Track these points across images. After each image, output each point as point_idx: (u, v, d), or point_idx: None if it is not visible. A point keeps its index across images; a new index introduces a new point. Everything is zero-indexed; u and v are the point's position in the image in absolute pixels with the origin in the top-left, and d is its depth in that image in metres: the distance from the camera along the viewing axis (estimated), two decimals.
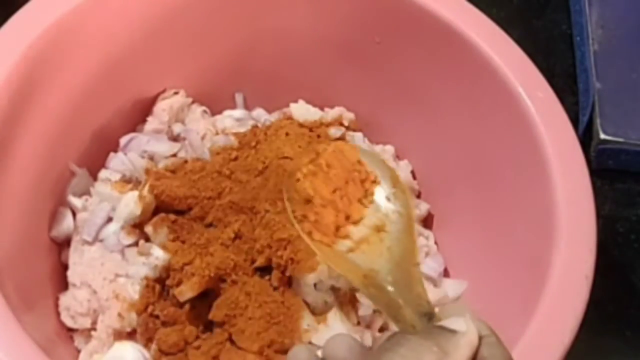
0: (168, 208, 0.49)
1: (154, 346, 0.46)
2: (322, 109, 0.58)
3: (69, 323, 0.48)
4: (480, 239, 0.53)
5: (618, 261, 0.61)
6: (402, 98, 0.57)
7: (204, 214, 0.49)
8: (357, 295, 0.48)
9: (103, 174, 0.53)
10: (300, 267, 0.46)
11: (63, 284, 0.49)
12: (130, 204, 0.49)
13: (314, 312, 0.47)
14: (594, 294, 0.45)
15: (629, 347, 0.58)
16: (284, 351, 0.46)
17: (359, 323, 0.48)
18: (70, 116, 0.51)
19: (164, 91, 0.57)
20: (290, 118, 0.55)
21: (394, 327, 0.49)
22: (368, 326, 0.48)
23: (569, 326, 0.43)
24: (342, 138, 0.56)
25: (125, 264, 0.48)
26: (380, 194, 0.41)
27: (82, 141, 0.52)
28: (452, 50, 0.53)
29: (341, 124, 0.56)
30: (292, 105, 0.58)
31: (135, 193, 0.50)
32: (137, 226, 0.49)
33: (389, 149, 0.58)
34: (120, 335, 0.46)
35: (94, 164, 0.53)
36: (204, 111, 0.58)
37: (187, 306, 0.46)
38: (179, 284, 0.46)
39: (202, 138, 0.55)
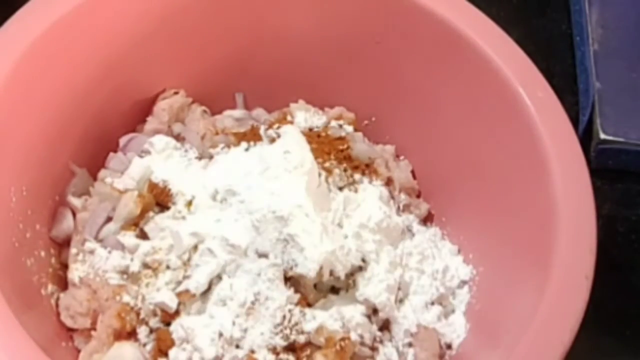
0: (167, 207, 0.49)
1: (153, 344, 0.46)
2: (322, 109, 0.58)
3: (69, 323, 0.48)
4: (480, 239, 0.53)
5: (618, 261, 0.61)
6: (402, 98, 0.57)
7: None
8: (357, 295, 0.48)
9: (103, 174, 0.53)
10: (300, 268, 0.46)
11: (63, 284, 0.50)
12: (130, 203, 0.49)
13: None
14: (594, 294, 0.45)
15: (629, 347, 0.58)
16: (286, 350, 0.46)
17: None
18: (70, 116, 0.51)
19: (164, 91, 0.57)
20: (287, 118, 0.56)
21: (395, 325, 0.50)
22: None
23: (569, 326, 0.43)
24: (342, 138, 0.56)
25: (125, 264, 0.48)
26: None
27: (82, 141, 0.52)
28: (452, 50, 0.53)
29: (340, 126, 0.56)
30: (292, 106, 0.58)
31: (135, 193, 0.50)
32: (137, 225, 0.49)
33: (389, 149, 0.58)
34: (120, 335, 0.46)
35: (94, 164, 0.53)
36: (204, 111, 0.58)
37: None
38: None
39: (202, 138, 0.55)
